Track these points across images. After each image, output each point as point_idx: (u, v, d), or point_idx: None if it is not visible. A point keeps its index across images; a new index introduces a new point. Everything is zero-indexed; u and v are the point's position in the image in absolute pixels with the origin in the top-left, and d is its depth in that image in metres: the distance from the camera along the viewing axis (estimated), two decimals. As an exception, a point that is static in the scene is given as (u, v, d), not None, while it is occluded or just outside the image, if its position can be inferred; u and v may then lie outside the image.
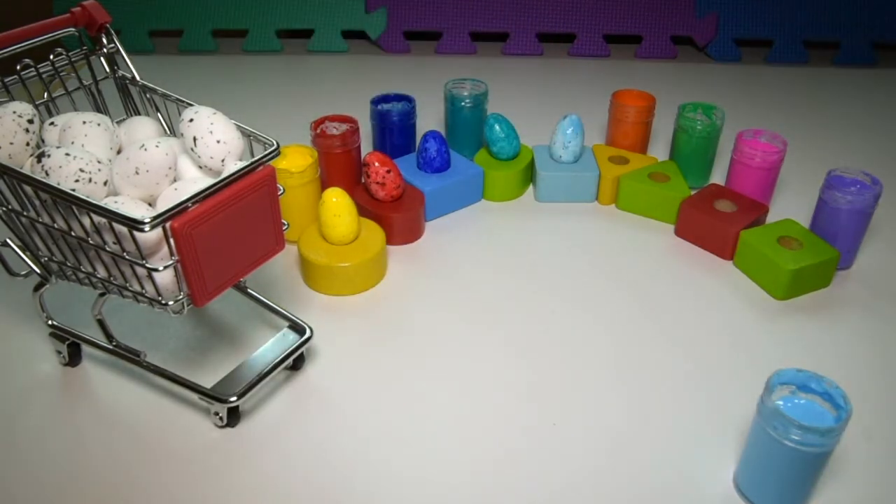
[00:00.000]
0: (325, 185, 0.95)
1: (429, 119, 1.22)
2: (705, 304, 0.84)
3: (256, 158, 0.61)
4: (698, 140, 1.00)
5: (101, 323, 0.69)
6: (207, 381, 0.67)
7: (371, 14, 1.50)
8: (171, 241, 0.56)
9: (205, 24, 1.49)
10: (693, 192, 0.98)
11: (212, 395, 0.66)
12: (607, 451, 0.66)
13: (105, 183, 0.60)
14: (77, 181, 0.58)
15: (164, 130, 0.72)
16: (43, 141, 0.66)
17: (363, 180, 0.94)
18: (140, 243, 0.57)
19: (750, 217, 0.91)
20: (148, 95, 0.71)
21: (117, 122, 0.70)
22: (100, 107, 0.73)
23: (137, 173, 0.60)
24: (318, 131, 0.95)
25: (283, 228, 0.66)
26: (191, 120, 0.63)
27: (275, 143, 0.63)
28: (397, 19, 1.51)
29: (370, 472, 0.64)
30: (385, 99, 1.05)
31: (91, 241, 0.59)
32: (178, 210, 0.55)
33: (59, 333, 0.72)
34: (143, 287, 0.61)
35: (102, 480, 0.62)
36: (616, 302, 0.84)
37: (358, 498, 0.61)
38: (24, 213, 0.61)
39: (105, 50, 0.71)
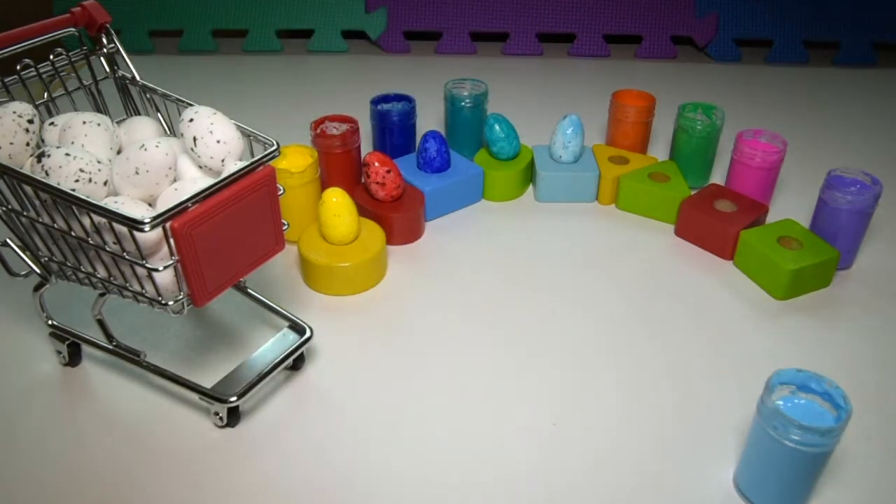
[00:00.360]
0: (325, 185, 0.95)
1: (429, 119, 1.22)
2: (705, 304, 0.84)
3: (256, 158, 0.61)
4: (698, 140, 1.00)
5: (101, 323, 0.69)
6: (207, 381, 0.67)
7: (371, 14, 1.50)
8: (171, 241, 0.56)
9: (205, 24, 1.49)
10: (693, 192, 0.98)
11: (212, 395, 0.66)
12: (607, 450, 0.66)
13: (105, 183, 0.60)
14: (77, 181, 0.58)
15: (164, 130, 0.72)
16: (43, 141, 0.66)
17: (363, 180, 0.94)
18: (140, 243, 0.57)
19: (750, 217, 0.91)
20: (148, 95, 0.71)
21: (117, 122, 0.70)
22: (100, 107, 0.73)
23: (137, 173, 0.60)
24: (318, 131, 0.95)
25: (283, 228, 0.66)
26: (191, 120, 0.63)
27: (275, 143, 0.63)
28: (397, 19, 1.51)
29: (370, 472, 0.64)
30: (385, 99, 1.05)
31: (91, 241, 0.59)
32: (178, 210, 0.55)
33: (59, 333, 0.72)
34: (143, 287, 0.61)
35: (102, 480, 0.62)
36: (616, 302, 0.84)
37: (358, 498, 0.61)
38: (24, 213, 0.61)
39: (105, 50, 0.71)
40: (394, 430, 0.68)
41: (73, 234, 0.59)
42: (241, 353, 0.74)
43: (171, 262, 0.57)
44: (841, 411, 0.56)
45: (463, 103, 1.05)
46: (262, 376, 0.68)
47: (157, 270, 0.57)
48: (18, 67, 0.66)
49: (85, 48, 0.71)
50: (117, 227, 0.56)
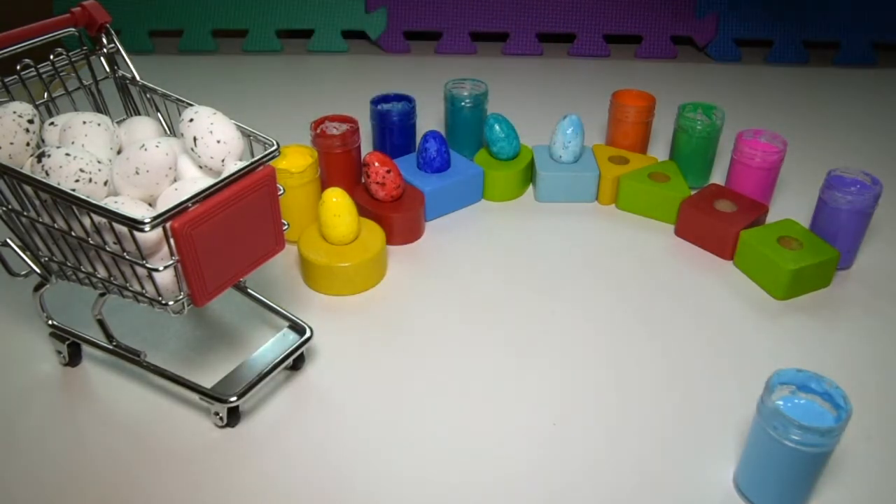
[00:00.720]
0: (325, 185, 0.95)
1: (429, 119, 1.22)
2: (705, 304, 0.84)
3: (256, 158, 0.61)
4: (698, 140, 1.00)
5: (101, 323, 0.69)
6: (207, 381, 0.67)
7: (371, 14, 1.50)
8: (172, 241, 0.56)
9: (205, 24, 1.49)
10: (693, 192, 0.98)
11: (212, 395, 0.66)
12: (607, 450, 0.66)
13: (105, 183, 0.60)
14: (77, 181, 0.58)
15: (164, 130, 0.72)
16: (43, 141, 0.66)
17: (363, 180, 0.94)
18: (140, 243, 0.57)
19: (750, 217, 0.91)
20: (148, 95, 0.71)
21: (117, 122, 0.70)
22: (100, 107, 0.73)
23: (137, 173, 0.60)
24: (318, 131, 0.95)
25: (283, 228, 0.66)
26: (191, 120, 0.63)
27: (275, 143, 0.63)
28: (397, 19, 1.51)
29: (370, 472, 0.64)
30: (385, 99, 1.05)
31: (91, 241, 0.59)
32: (178, 210, 0.55)
33: (59, 333, 0.72)
34: (143, 287, 0.61)
35: (102, 480, 0.62)
36: (616, 302, 0.84)
37: (358, 498, 0.61)
38: (25, 213, 0.61)
39: (105, 50, 0.71)
40: (394, 430, 0.68)
41: (73, 234, 0.59)
42: (241, 353, 0.74)
43: (171, 262, 0.57)
44: (841, 411, 0.56)
45: (463, 103, 1.05)
46: (262, 376, 0.68)
47: (157, 270, 0.57)
48: (18, 67, 0.66)
49: (85, 48, 0.71)
50: (117, 227, 0.56)
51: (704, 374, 0.74)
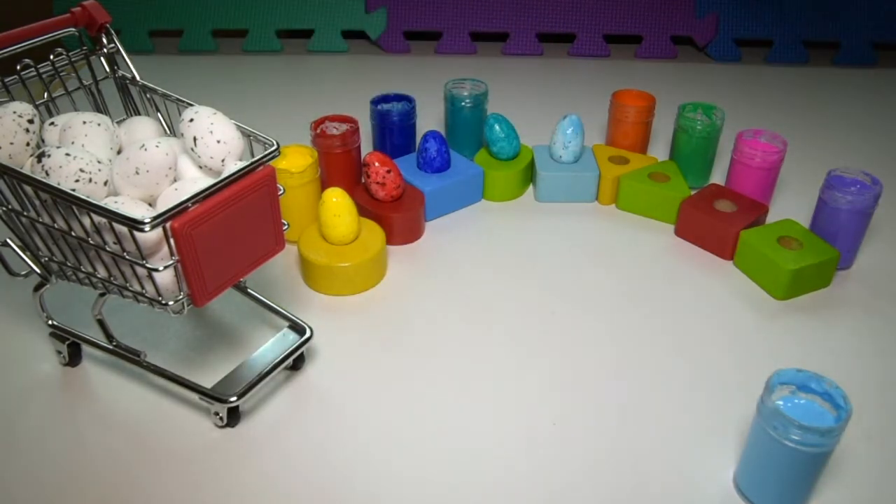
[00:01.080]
0: (325, 185, 0.95)
1: (429, 119, 1.22)
2: (705, 304, 0.84)
3: (256, 158, 0.61)
4: (698, 140, 1.00)
5: (101, 323, 0.69)
6: (207, 381, 0.67)
7: (371, 14, 1.50)
8: (171, 241, 0.56)
9: (205, 24, 1.49)
10: (693, 192, 0.98)
11: (212, 395, 0.66)
12: (607, 451, 0.66)
13: (105, 183, 0.60)
14: (77, 181, 0.58)
15: (164, 130, 0.72)
16: (43, 141, 0.66)
17: (363, 180, 0.94)
18: (140, 243, 0.57)
19: (750, 217, 0.91)
20: (148, 95, 0.71)
21: (117, 122, 0.70)
22: (100, 107, 0.73)
23: (137, 173, 0.60)
24: (318, 131, 0.95)
25: (283, 228, 0.66)
26: (191, 120, 0.63)
27: (275, 143, 0.63)
28: (397, 19, 1.51)
29: (370, 472, 0.64)
30: (385, 99, 1.05)
31: (91, 241, 0.59)
32: (178, 210, 0.55)
33: (59, 333, 0.72)
34: (143, 287, 0.61)
35: (102, 480, 0.62)
36: (616, 302, 0.84)
37: (358, 498, 0.61)
38: (25, 213, 0.61)
39: (105, 50, 0.71)
40: (394, 430, 0.68)
41: (73, 234, 0.59)
42: (241, 353, 0.74)
43: (171, 262, 0.57)
44: (841, 411, 0.56)
45: (463, 103, 1.05)
46: (262, 376, 0.68)
47: (157, 270, 0.57)
48: (18, 67, 0.66)
49: (85, 48, 0.71)
50: (117, 227, 0.56)
51: (704, 373, 0.74)
